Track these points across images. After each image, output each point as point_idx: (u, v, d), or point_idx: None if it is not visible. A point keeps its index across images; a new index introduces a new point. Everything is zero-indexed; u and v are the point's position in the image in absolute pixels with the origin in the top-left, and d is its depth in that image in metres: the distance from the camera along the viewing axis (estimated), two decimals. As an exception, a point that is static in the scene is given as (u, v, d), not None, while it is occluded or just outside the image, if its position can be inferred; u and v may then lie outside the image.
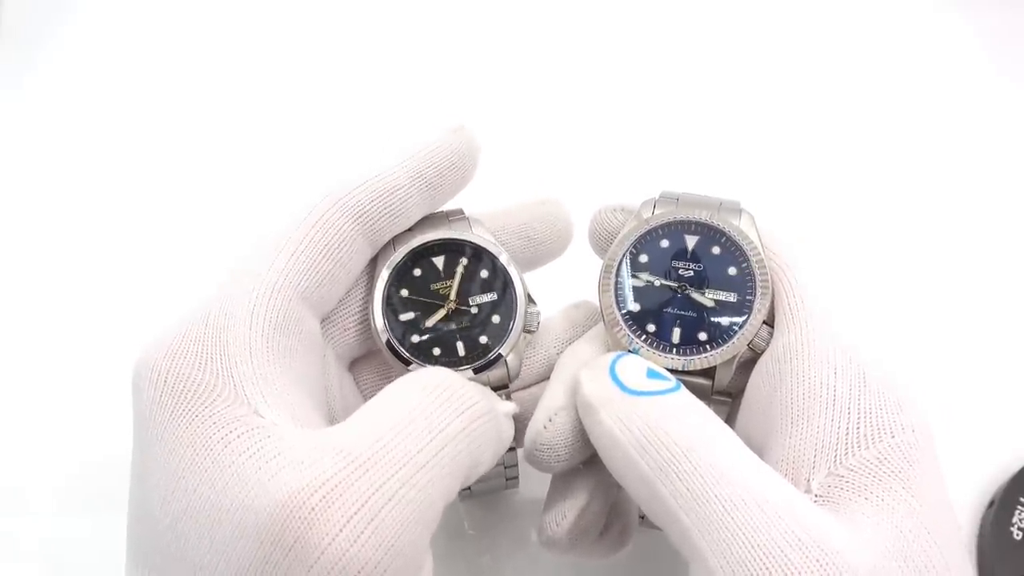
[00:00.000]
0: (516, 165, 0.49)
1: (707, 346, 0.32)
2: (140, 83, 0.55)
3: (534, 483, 0.38)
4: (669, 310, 0.32)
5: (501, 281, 0.34)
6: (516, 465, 0.36)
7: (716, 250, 0.32)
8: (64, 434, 0.44)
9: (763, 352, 0.31)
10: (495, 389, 0.33)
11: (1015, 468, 0.43)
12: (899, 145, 0.54)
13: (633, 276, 0.33)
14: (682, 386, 0.29)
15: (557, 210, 0.36)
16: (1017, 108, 0.55)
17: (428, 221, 0.34)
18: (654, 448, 0.27)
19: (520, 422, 0.33)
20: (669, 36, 0.58)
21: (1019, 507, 0.41)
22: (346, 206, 0.31)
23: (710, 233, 0.32)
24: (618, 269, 0.33)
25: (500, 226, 0.35)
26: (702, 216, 0.32)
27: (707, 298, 0.32)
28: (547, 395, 0.32)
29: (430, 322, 0.33)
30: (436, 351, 0.33)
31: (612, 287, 0.33)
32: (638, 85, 0.56)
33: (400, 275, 0.33)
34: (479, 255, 0.34)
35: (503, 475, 0.36)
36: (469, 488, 0.35)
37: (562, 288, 0.37)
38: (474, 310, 0.34)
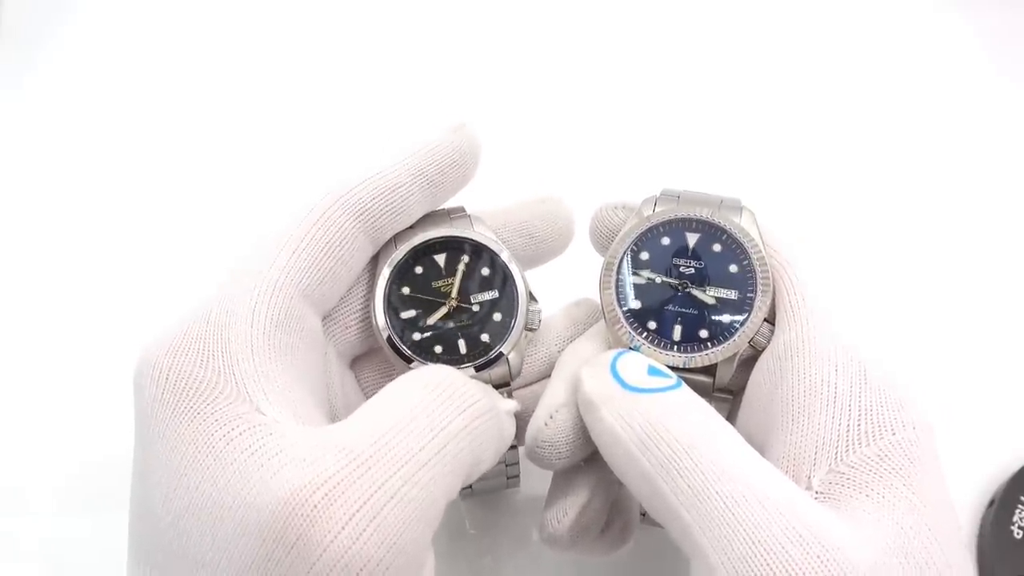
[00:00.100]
0: (517, 163, 0.49)
1: (708, 343, 0.32)
2: (140, 83, 0.55)
3: (535, 481, 0.38)
4: (670, 307, 0.32)
5: (502, 279, 0.34)
6: (517, 463, 0.36)
7: (717, 247, 0.32)
8: (64, 434, 0.44)
9: (764, 349, 0.31)
10: (496, 387, 0.33)
11: (1015, 468, 0.43)
12: (899, 145, 0.54)
13: (634, 274, 0.33)
14: (683, 383, 0.29)
15: (558, 208, 0.36)
16: (1017, 108, 0.55)
17: (429, 219, 0.34)
18: (655, 445, 0.27)
19: (521, 420, 0.33)
20: (669, 35, 0.58)
21: (1019, 506, 0.41)
22: (347, 204, 0.31)
23: (711, 230, 0.32)
24: (619, 267, 0.33)
25: (501, 224, 0.35)
26: (703, 214, 0.32)
27: (708, 295, 0.32)
28: (548, 392, 0.32)
29: (431, 320, 0.33)
30: (437, 349, 0.33)
31: (613, 285, 0.33)
32: (638, 84, 0.56)
33: (401, 273, 0.33)
34: (480, 253, 0.34)
35: (504, 473, 0.36)
36: (470, 486, 0.35)
37: (563, 286, 0.37)
38: (475, 308, 0.34)
